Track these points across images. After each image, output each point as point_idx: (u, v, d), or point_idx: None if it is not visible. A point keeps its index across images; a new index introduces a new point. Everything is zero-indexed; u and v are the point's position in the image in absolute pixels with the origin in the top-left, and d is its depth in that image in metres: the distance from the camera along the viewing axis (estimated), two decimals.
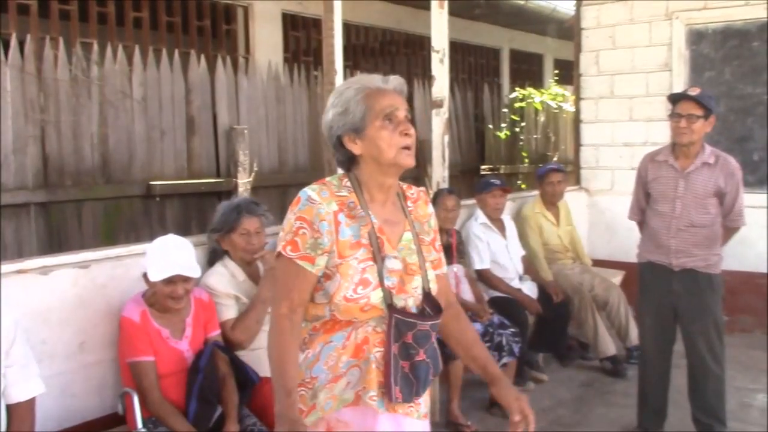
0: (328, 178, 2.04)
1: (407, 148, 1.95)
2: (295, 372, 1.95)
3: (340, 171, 2.12)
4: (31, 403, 2.52)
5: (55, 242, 5.05)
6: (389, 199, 2.06)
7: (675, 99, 3.84)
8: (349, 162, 2.03)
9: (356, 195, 2.00)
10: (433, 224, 2.17)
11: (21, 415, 2.49)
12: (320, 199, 1.95)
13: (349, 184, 2.01)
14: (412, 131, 1.96)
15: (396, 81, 2.02)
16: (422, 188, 2.21)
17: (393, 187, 2.06)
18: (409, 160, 1.97)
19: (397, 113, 1.96)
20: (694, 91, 3.77)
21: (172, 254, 2.95)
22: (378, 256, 1.95)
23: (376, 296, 1.92)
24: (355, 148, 1.98)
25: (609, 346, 5.21)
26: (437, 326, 2.02)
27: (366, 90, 1.97)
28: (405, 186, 2.15)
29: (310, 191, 1.97)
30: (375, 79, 2.01)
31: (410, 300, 1.99)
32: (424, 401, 2.08)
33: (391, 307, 1.93)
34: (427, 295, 2.03)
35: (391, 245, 2.00)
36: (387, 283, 1.94)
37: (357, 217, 1.97)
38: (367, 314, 1.94)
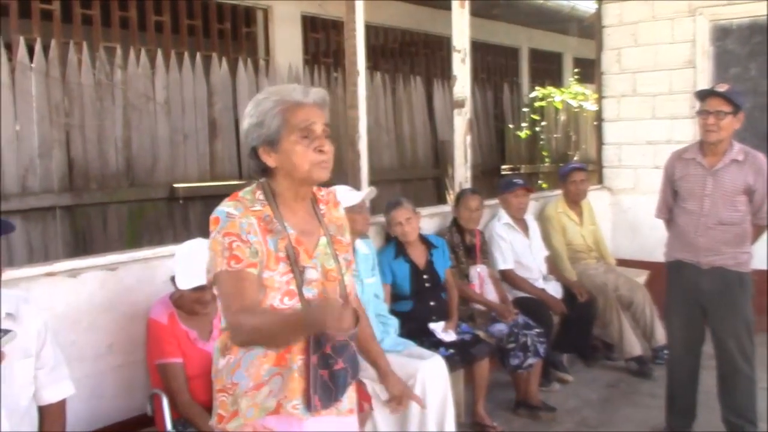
0: (240, 193, 2.00)
1: (323, 161, 1.93)
2: (279, 316, 1.90)
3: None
4: (62, 404, 2.55)
5: (81, 245, 5.10)
6: (304, 207, 2.05)
7: (703, 96, 3.80)
8: (263, 172, 2.01)
9: (271, 207, 1.97)
10: (346, 225, 2.16)
11: (52, 417, 2.51)
12: (239, 215, 1.91)
13: (262, 197, 1.98)
14: (327, 147, 1.93)
15: (317, 94, 1.98)
16: (332, 188, 2.21)
17: (307, 196, 2.05)
18: (323, 174, 1.94)
19: (314, 128, 1.93)
20: (723, 88, 3.73)
21: (201, 262, 2.95)
22: (296, 268, 1.94)
23: (300, 307, 1.93)
24: (270, 160, 1.95)
25: (634, 346, 5.16)
26: (355, 335, 2.02)
27: (284, 103, 1.93)
28: (315, 188, 2.10)
29: (225, 208, 1.93)
30: (295, 92, 1.96)
31: None
32: (348, 397, 2.08)
33: None
34: (345, 300, 1.99)
35: (307, 255, 1.98)
36: (307, 294, 1.94)
37: (274, 231, 1.95)
38: None
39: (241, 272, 1.88)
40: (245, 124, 1.98)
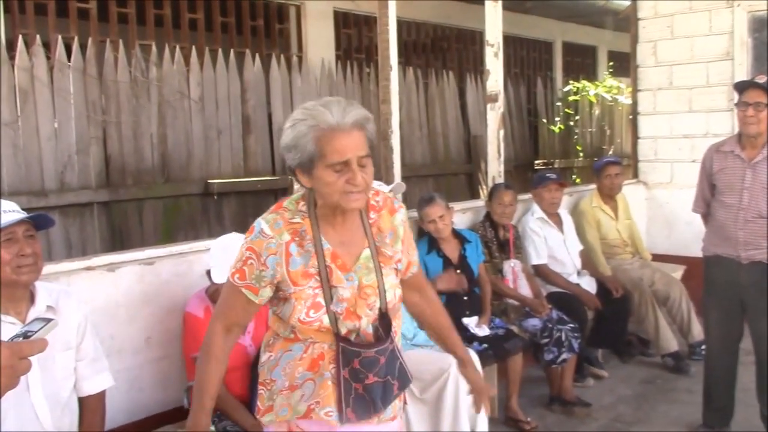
0: (285, 202, 2.01)
1: (354, 193, 1.88)
2: (214, 391, 2.06)
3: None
4: (101, 395, 2.59)
5: (117, 240, 5.18)
6: (346, 218, 2.01)
7: (741, 87, 3.73)
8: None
9: (310, 221, 1.97)
10: (401, 233, 2.09)
11: (92, 408, 2.56)
12: (272, 233, 1.94)
13: (304, 208, 1.99)
14: (359, 179, 1.86)
15: (355, 115, 1.88)
16: (390, 194, 2.15)
17: (348, 212, 1.99)
18: (354, 204, 1.90)
19: (349, 163, 1.86)
20: (762, 79, 3.67)
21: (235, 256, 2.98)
22: (325, 285, 1.95)
23: (327, 320, 1.95)
24: (304, 181, 1.94)
25: (671, 342, 5.10)
26: (385, 351, 2.00)
27: (318, 129, 1.86)
28: (372, 193, 2.05)
29: (264, 223, 1.96)
30: (330, 116, 1.86)
31: (364, 321, 1.98)
32: (392, 406, 2.07)
33: (337, 335, 1.95)
34: (382, 315, 2.01)
35: (345, 269, 1.98)
36: (335, 308, 1.95)
37: (307, 249, 1.95)
38: (323, 335, 1.97)
39: (240, 291, 1.97)
40: (282, 139, 1.96)
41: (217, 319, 2.07)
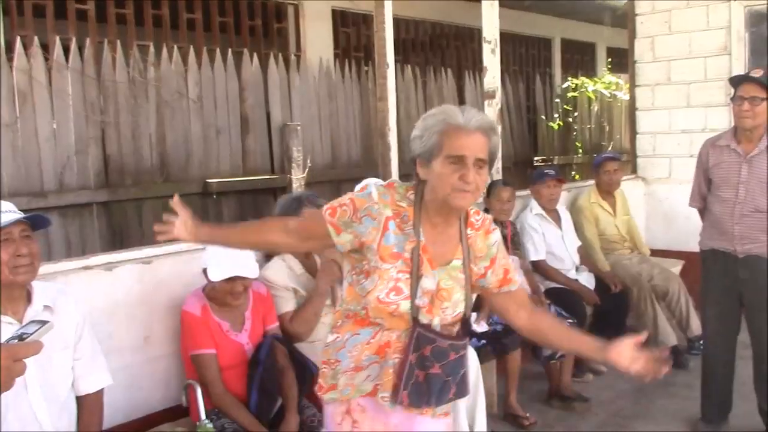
0: (396, 183, 2.11)
1: (464, 191, 1.96)
2: (225, 236, 2.32)
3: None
4: (99, 394, 2.61)
5: (117, 240, 5.19)
6: (446, 222, 2.08)
7: (737, 82, 3.74)
8: (420, 179, 2.09)
9: (414, 210, 2.05)
10: (493, 252, 2.15)
11: (90, 406, 2.58)
12: (379, 201, 2.03)
13: (412, 197, 2.07)
14: (471, 177, 1.95)
15: (481, 120, 2.00)
16: (489, 216, 2.21)
17: (452, 214, 2.07)
18: (460, 202, 1.99)
19: (465, 159, 1.96)
20: (757, 73, 3.67)
21: (231, 254, 3.00)
22: (415, 273, 2.01)
23: (405, 306, 2.02)
24: (422, 172, 2.04)
25: (670, 336, 5.11)
26: (458, 347, 2.10)
27: (445, 124, 1.99)
28: (473, 211, 2.15)
29: (374, 189, 2.05)
30: (459, 116, 1.99)
31: (436, 319, 2.07)
32: (445, 405, 2.16)
33: (416, 320, 2.03)
34: (464, 321, 2.12)
35: (431, 265, 2.04)
36: (418, 301, 2.02)
37: (406, 232, 2.03)
38: (394, 321, 2.04)
39: (323, 220, 2.06)
40: (412, 133, 2.07)
41: (285, 221, 2.25)
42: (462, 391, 2.14)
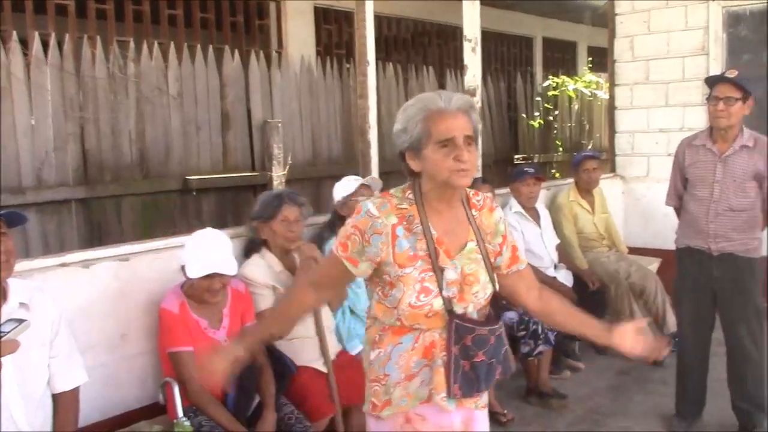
0: (391, 190, 2.13)
1: (461, 170, 1.99)
2: (267, 332, 2.33)
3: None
4: (75, 392, 2.60)
5: (96, 237, 5.16)
6: (451, 208, 2.12)
7: (712, 82, 3.79)
8: (412, 174, 2.11)
9: (417, 207, 2.07)
10: (501, 229, 2.20)
11: (66, 404, 2.57)
12: (379, 214, 2.04)
13: (411, 196, 2.09)
14: (465, 156, 1.98)
15: (461, 101, 2.04)
16: (489, 194, 2.25)
17: (454, 197, 2.11)
18: (461, 182, 2.01)
19: (455, 140, 1.98)
20: (732, 74, 3.72)
21: (209, 251, 3.00)
22: (436, 267, 2.04)
23: (438, 303, 2.03)
24: (414, 164, 2.06)
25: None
26: (496, 331, 2.11)
27: (426, 111, 2.01)
28: (472, 193, 2.19)
29: (371, 205, 2.07)
30: (438, 100, 2.03)
31: (470, 306, 2.09)
32: (485, 394, 2.22)
33: (451, 313, 2.04)
34: (493, 299, 2.14)
35: (449, 255, 2.07)
36: (446, 293, 2.04)
37: (414, 232, 2.05)
38: (431, 321, 2.06)
39: (340, 261, 2.09)
40: (394, 129, 2.10)
41: (308, 278, 2.28)
42: (507, 368, 2.17)
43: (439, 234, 2.07)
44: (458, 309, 2.05)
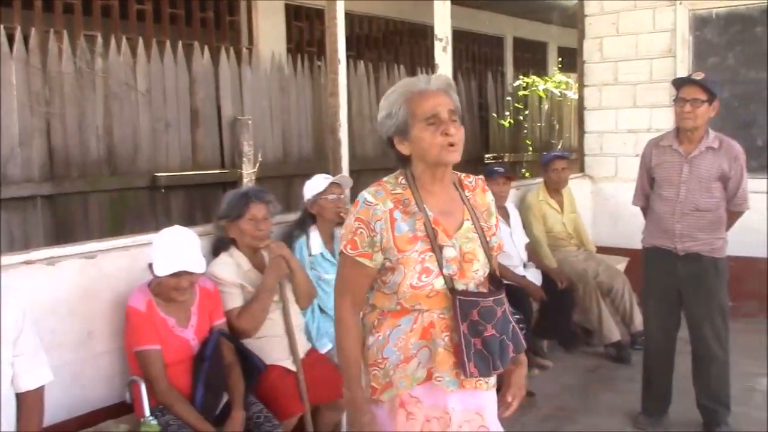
0: (385, 179, 2.17)
1: (450, 145, 2.04)
2: (358, 364, 2.17)
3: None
4: (40, 391, 2.55)
5: (62, 234, 5.08)
6: (445, 190, 2.16)
7: (679, 84, 3.85)
8: (403, 160, 2.15)
9: (411, 191, 2.12)
10: (494, 211, 2.25)
11: (30, 404, 2.52)
12: (376, 200, 2.09)
13: (404, 181, 2.14)
14: (453, 131, 2.04)
15: (440, 80, 2.12)
16: (480, 176, 2.29)
17: (446, 177, 2.15)
18: (451, 157, 2.06)
19: (439, 114, 2.04)
20: (699, 76, 3.78)
21: (177, 249, 2.97)
22: (435, 246, 2.07)
23: (439, 283, 2.07)
24: (403, 148, 2.11)
25: (613, 332, 5.22)
26: (501, 301, 2.13)
27: (408, 94, 2.08)
28: (463, 175, 2.24)
29: (367, 194, 2.11)
30: (418, 82, 2.10)
31: (471, 284, 2.12)
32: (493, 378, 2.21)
33: (453, 290, 2.07)
34: (491, 276, 2.18)
35: (447, 234, 2.10)
36: (446, 271, 2.07)
37: (411, 213, 2.09)
38: (432, 301, 2.09)
39: (354, 260, 2.10)
40: (378, 117, 2.13)
41: (341, 296, 2.17)
42: (518, 345, 2.18)
43: (435, 214, 2.11)
44: (459, 286, 2.09)
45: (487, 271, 2.16)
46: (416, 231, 2.07)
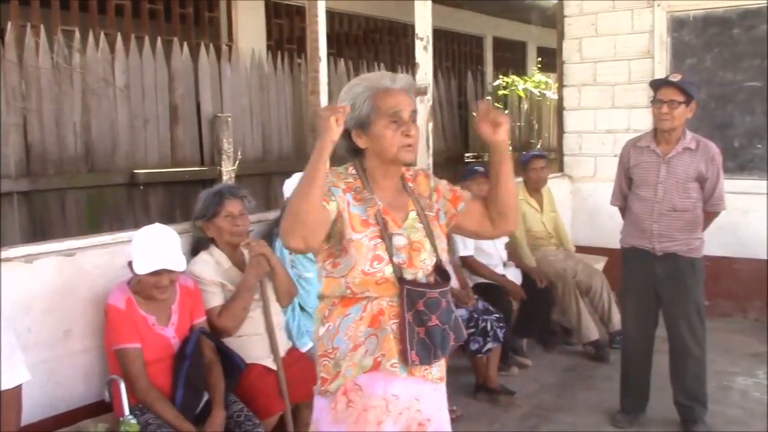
0: (332, 168, 2.17)
1: (408, 145, 2.10)
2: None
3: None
4: (16, 390, 2.52)
5: (39, 231, 5.03)
6: (393, 183, 2.21)
7: (657, 85, 3.88)
8: (354, 152, 2.18)
9: (361, 182, 2.15)
10: (433, 184, 2.27)
11: (7, 403, 2.49)
12: (331, 178, 2.09)
13: (354, 172, 2.17)
14: (413, 132, 2.10)
15: (404, 80, 2.15)
16: (420, 168, 2.36)
17: (396, 174, 2.21)
18: (409, 156, 2.12)
19: (402, 114, 2.09)
20: (676, 78, 3.81)
21: (157, 247, 2.95)
22: (385, 234, 2.11)
23: (389, 270, 2.09)
24: (361, 142, 2.13)
25: (592, 331, 5.26)
26: (445, 293, 2.16)
27: (374, 89, 2.11)
28: (403, 169, 2.26)
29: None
30: (384, 79, 2.13)
31: (419, 273, 2.14)
32: (439, 366, 2.21)
33: (401, 279, 2.10)
34: (437, 266, 2.18)
35: (396, 224, 2.14)
36: (396, 259, 2.10)
37: (364, 199, 2.13)
38: (381, 288, 2.10)
39: None
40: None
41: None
42: (459, 335, 2.20)
43: (384, 205, 2.15)
44: (408, 275, 2.11)
45: (434, 260, 2.18)
46: (368, 216, 2.11)
